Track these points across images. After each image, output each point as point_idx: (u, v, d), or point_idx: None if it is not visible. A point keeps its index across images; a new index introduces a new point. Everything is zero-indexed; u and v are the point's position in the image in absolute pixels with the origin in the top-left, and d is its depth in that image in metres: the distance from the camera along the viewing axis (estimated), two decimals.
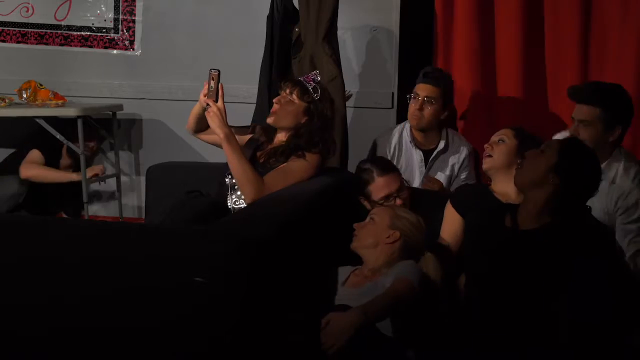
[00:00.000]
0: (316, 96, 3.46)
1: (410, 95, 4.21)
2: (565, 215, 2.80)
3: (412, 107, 4.19)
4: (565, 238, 2.75)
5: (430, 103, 4.14)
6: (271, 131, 3.56)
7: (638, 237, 3.24)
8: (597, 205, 3.14)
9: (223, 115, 3.26)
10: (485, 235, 2.93)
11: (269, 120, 3.49)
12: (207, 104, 3.27)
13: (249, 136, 3.68)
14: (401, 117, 4.66)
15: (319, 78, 3.55)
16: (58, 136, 4.60)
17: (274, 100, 3.51)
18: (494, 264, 2.82)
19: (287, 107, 3.45)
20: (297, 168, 3.36)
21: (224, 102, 3.27)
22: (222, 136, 3.24)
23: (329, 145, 3.51)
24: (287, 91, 3.47)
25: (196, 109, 3.53)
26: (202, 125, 3.55)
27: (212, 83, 3.26)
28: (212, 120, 3.25)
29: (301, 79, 3.53)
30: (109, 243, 2.34)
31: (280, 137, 3.51)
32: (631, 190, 3.27)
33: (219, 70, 3.26)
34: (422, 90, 4.16)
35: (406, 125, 4.29)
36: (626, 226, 3.25)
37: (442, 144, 4.21)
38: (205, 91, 3.30)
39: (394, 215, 3.09)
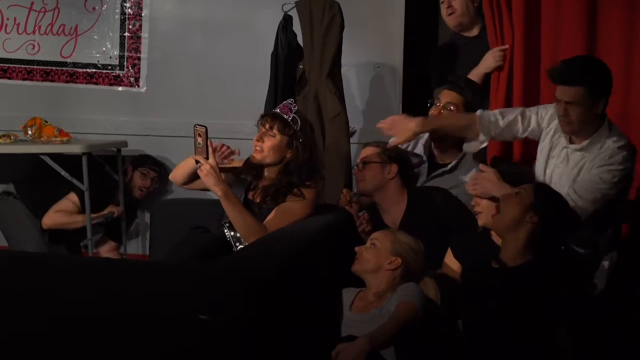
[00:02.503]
0: (296, 127, 3.40)
1: (431, 101, 3.94)
2: (546, 251, 2.94)
3: (431, 114, 3.89)
4: (548, 272, 2.89)
5: (451, 110, 3.84)
6: (257, 167, 3.49)
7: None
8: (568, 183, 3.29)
9: (217, 172, 3.21)
10: (476, 280, 3.03)
11: (255, 159, 3.43)
12: (198, 162, 3.21)
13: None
14: None
15: (295, 107, 3.48)
16: (62, 173, 4.61)
17: (255, 139, 3.43)
18: (487, 306, 2.89)
19: (270, 143, 3.39)
20: (297, 208, 3.34)
21: (215, 158, 3.22)
22: (221, 194, 3.21)
23: (319, 172, 3.52)
24: (267, 126, 3.40)
25: (190, 165, 3.42)
26: (191, 180, 3.51)
27: (200, 140, 3.19)
28: (208, 179, 3.20)
29: (277, 110, 3.46)
30: (112, 280, 2.34)
31: (270, 173, 3.45)
32: (616, 154, 3.26)
33: (205, 127, 3.18)
34: (445, 96, 3.89)
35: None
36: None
37: (451, 165, 3.87)
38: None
39: (394, 240, 3.11)
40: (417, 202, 3.63)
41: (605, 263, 3.37)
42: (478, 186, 3.27)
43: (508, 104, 3.97)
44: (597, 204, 3.22)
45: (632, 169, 3.31)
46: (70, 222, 4.83)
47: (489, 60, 4.05)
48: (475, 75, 4.09)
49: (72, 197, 4.82)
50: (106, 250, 5.19)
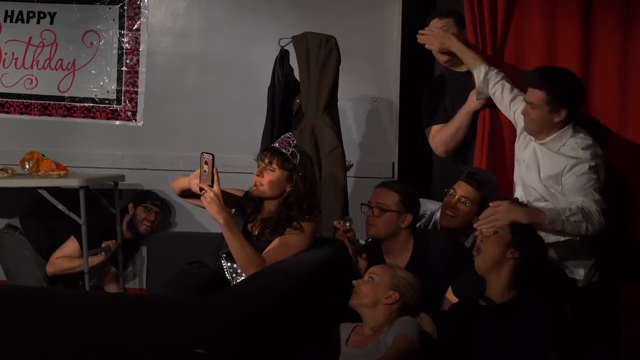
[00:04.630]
0: (296, 161, 3.42)
1: (447, 191, 3.86)
2: (530, 286, 3.05)
3: (445, 203, 3.85)
4: (533, 306, 2.98)
5: (465, 204, 3.77)
6: (256, 199, 3.50)
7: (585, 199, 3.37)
8: (535, 176, 3.52)
9: (221, 200, 3.19)
10: (462, 318, 3.07)
11: (254, 193, 3.45)
12: (202, 189, 3.20)
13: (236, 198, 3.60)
14: None
15: (294, 140, 3.50)
16: (60, 206, 4.61)
17: (254, 173, 3.45)
18: (477, 342, 2.93)
19: (270, 178, 3.40)
20: (296, 241, 3.34)
21: (219, 186, 3.20)
22: (222, 222, 3.20)
23: (318, 206, 3.54)
24: (267, 161, 3.42)
25: (184, 183, 3.43)
26: (188, 195, 3.50)
27: (206, 167, 3.17)
28: (210, 206, 3.18)
29: (276, 145, 3.48)
30: (108, 314, 2.33)
31: (269, 206, 3.46)
32: (584, 159, 3.42)
33: (212, 155, 3.17)
34: (462, 189, 3.80)
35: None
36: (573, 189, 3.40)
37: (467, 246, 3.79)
38: (196, 175, 3.26)
39: (393, 274, 3.12)
40: (424, 248, 3.65)
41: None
42: (498, 220, 3.20)
43: (492, 137, 4.04)
44: (598, 198, 3.35)
45: (602, 166, 3.48)
46: (72, 267, 4.85)
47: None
48: (466, 112, 4.11)
49: (72, 241, 4.83)
50: (109, 279, 5.22)
